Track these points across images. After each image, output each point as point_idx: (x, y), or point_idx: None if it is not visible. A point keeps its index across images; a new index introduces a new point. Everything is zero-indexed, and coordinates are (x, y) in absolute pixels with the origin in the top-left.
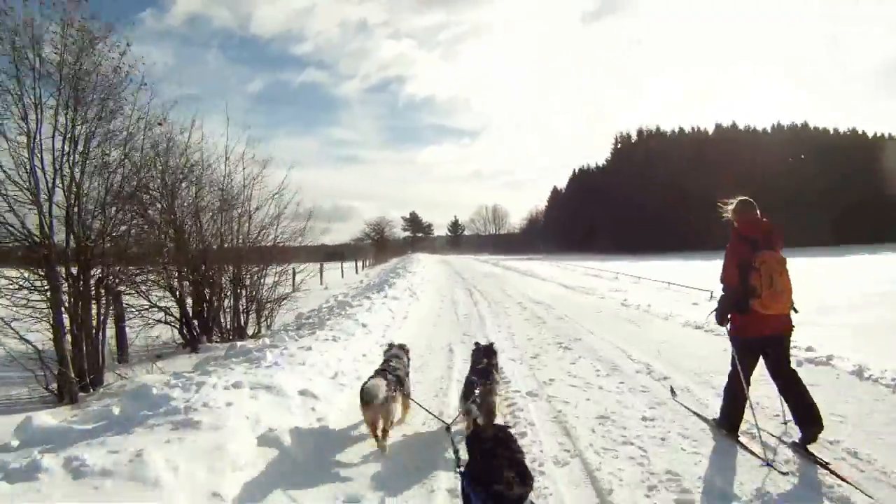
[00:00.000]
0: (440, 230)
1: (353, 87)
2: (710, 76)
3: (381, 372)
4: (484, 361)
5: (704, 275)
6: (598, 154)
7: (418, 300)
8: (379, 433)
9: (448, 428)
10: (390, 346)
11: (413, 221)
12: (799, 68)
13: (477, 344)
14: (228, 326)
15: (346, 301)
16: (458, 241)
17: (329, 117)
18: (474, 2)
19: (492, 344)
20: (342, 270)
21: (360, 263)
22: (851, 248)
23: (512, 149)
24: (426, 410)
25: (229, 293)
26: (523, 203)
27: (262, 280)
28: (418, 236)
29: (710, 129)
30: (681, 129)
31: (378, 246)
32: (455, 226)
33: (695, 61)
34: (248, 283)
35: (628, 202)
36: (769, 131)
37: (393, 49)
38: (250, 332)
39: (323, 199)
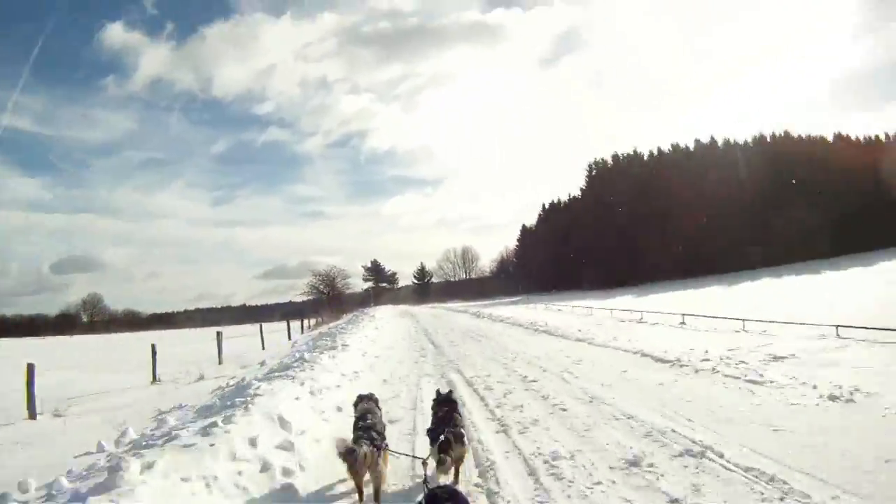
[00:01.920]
0: (407, 280)
1: (315, 143)
2: (680, 95)
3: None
4: (444, 410)
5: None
6: (568, 189)
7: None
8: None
9: (424, 462)
10: (360, 398)
11: (375, 270)
12: (770, 76)
13: (438, 392)
14: None
15: None
16: (426, 289)
17: (293, 174)
18: (430, 54)
19: (451, 392)
20: (262, 339)
21: (306, 323)
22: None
23: (475, 194)
24: (401, 454)
25: None
26: (493, 246)
27: None
28: (382, 286)
29: (692, 146)
30: (659, 150)
31: (330, 301)
32: (422, 272)
33: (663, 83)
34: None
35: (610, 231)
36: (750, 143)
37: (353, 104)
38: None
39: (290, 257)
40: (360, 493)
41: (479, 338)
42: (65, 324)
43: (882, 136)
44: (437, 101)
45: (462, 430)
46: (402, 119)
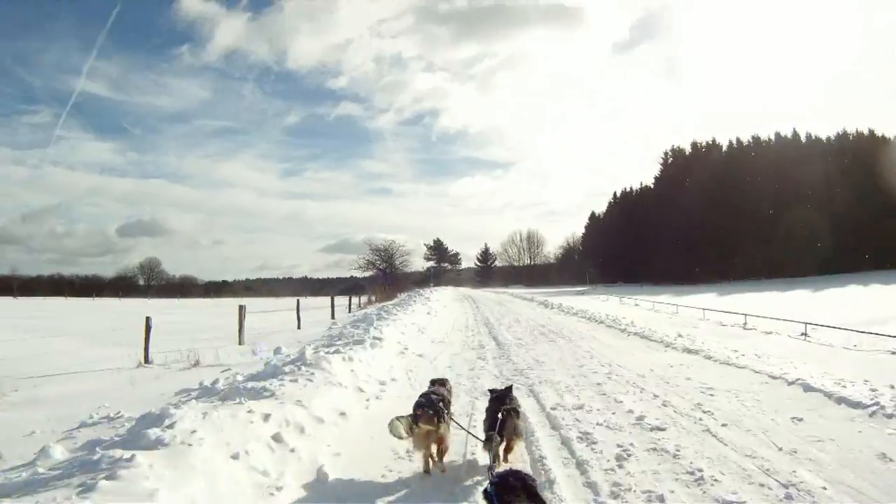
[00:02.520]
0: (470, 262)
1: (387, 120)
2: (760, 89)
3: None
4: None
5: None
6: (640, 179)
7: None
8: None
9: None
10: (432, 382)
11: (437, 249)
12: (862, 71)
13: (491, 390)
14: None
15: None
16: (489, 272)
17: (363, 150)
18: (506, 35)
19: (510, 387)
20: (298, 317)
21: (356, 301)
22: None
23: (545, 179)
24: (466, 430)
25: None
26: (559, 233)
27: None
28: (443, 266)
29: (772, 139)
30: (738, 141)
31: (388, 278)
32: (485, 255)
33: (740, 75)
34: None
35: (686, 223)
36: (833, 140)
37: (427, 82)
38: None
39: (355, 232)
40: (426, 460)
41: (552, 336)
42: (121, 286)
43: None
44: (511, 83)
45: (517, 408)
46: (476, 99)
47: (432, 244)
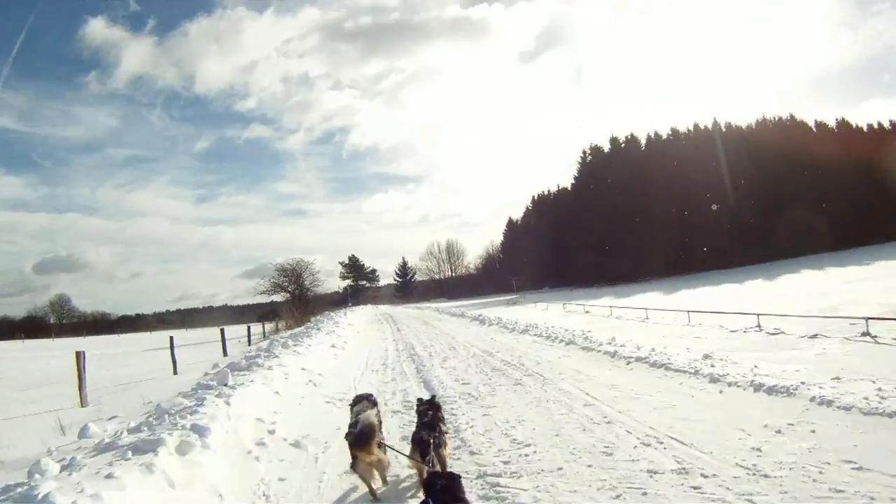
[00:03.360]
0: (388, 279)
1: (297, 140)
2: (663, 88)
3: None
4: (429, 414)
5: None
6: (557, 182)
7: None
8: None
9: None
10: (357, 398)
11: (353, 267)
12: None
13: (420, 399)
14: None
15: None
16: (409, 287)
17: (275, 172)
18: (412, 50)
19: (434, 396)
20: (173, 361)
21: (263, 329)
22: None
23: (458, 191)
24: (398, 452)
25: None
26: (478, 242)
27: None
28: (362, 284)
29: (691, 129)
30: (657, 134)
31: (297, 301)
32: (404, 269)
33: (645, 76)
34: None
35: (610, 222)
36: (753, 126)
37: (335, 100)
38: None
39: (273, 256)
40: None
41: (513, 372)
42: (31, 326)
43: (886, 124)
44: (419, 97)
45: (444, 436)
46: (385, 115)
47: (347, 262)
